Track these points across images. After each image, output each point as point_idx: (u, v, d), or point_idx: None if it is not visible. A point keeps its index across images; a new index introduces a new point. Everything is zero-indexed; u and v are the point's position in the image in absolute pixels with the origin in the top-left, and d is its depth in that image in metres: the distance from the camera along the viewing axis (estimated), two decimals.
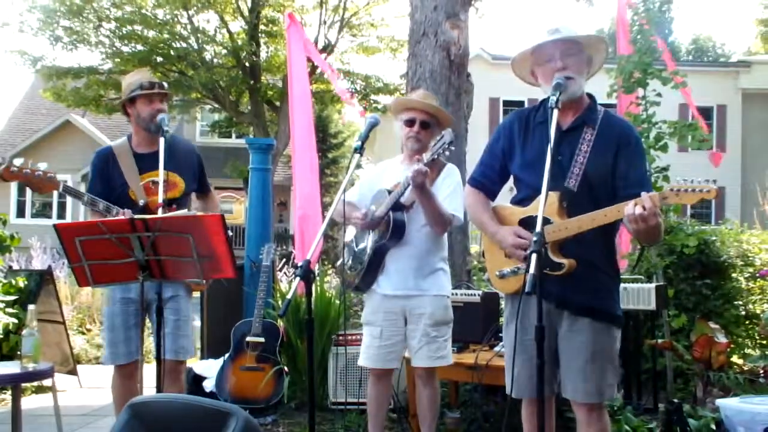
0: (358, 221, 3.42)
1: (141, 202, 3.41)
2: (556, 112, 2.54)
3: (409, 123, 3.48)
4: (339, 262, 3.72)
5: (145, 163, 3.45)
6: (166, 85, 3.66)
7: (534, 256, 2.30)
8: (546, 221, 2.54)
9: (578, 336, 2.64)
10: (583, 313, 2.64)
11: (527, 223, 2.62)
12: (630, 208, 2.38)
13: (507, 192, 2.97)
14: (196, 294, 4.49)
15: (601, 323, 2.65)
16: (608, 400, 2.83)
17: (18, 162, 3.20)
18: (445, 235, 3.55)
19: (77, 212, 20.86)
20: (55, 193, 3.39)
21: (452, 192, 3.41)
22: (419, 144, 3.44)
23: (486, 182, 2.90)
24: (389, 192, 3.39)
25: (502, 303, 4.76)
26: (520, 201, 2.76)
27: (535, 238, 2.35)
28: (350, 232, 3.68)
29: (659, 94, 5.14)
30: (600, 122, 2.69)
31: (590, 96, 2.78)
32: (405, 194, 3.32)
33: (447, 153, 3.12)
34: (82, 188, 3.49)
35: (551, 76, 2.64)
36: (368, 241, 3.46)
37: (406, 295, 3.41)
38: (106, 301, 3.57)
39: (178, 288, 3.53)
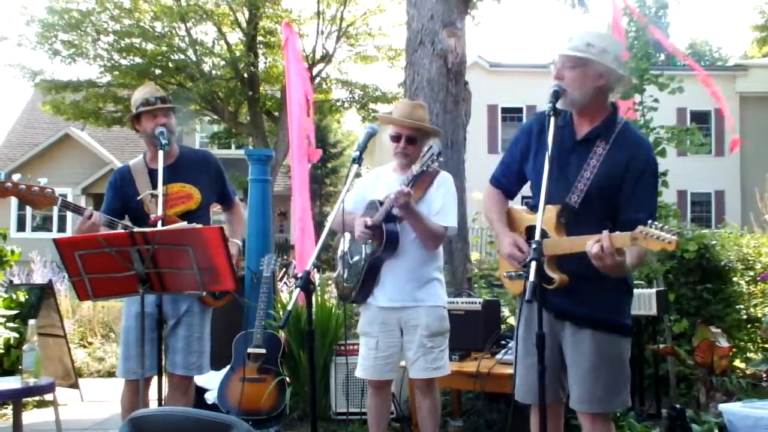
0: (362, 232, 3.34)
1: (152, 216, 3.42)
2: (553, 119, 2.53)
3: (395, 139, 3.47)
4: (335, 274, 3.72)
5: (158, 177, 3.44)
6: (169, 98, 3.64)
7: (533, 264, 2.30)
8: (545, 234, 2.53)
9: (581, 346, 2.63)
10: (584, 324, 2.62)
11: (532, 231, 2.58)
12: (589, 245, 2.36)
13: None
14: None
15: (604, 333, 2.61)
16: (617, 410, 2.79)
17: (15, 178, 3.20)
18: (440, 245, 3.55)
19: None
20: (56, 207, 3.39)
21: (444, 203, 3.40)
22: (407, 158, 3.44)
23: (505, 182, 2.89)
24: (380, 203, 3.38)
25: (504, 310, 4.80)
26: (533, 207, 2.72)
27: (534, 246, 2.35)
28: (344, 244, 3.68)
29: (656, 100, 5.16)
30: (615, 136, 2.60)
31: (613, 106, 2.69)
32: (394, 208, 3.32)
33: (435, 164, 3.13)
34: (83, 201, 3.50)
35: None
36: (362, 254, 3.45)
37: (401, 307, 3.40)
38: (123, 316, 3.57)
39: (192, 303, 3.52)
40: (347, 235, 3.55)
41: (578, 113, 2.68)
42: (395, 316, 3.42)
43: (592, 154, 2.60)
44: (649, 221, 2.26)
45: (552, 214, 2.55)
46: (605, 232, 2.34)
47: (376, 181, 3.60)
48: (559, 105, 2.57)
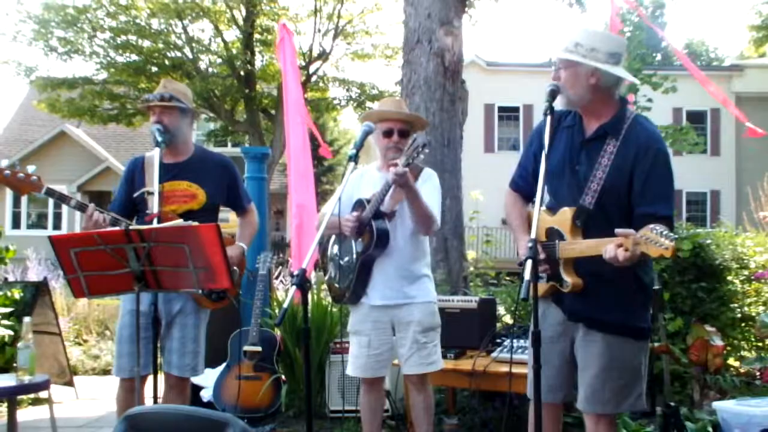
0: (350, 224, 3.36)
1: (147, 212, 3.42)
2: (549, 118, 2.53)
3: (388, 134, 3.46)
4: (327, 277, 3.71)
5: (168, 172, 3.43)
6: (170, 96, 3.55)
7: (529, 263, 2.31)
8: (561, 236, 2.55)
9: (591, 348, 2.63)
10: (595, 327, 2.61)
11: (551, 232, 2.61)
12: (611, 249, 2.31)
13: None
14: None
15: (615, 336, 2.59)
16: (626, 413, 2.77)
17: (2, 163, 3.18)
18: (427, 241, 3.56)
19: (73, 223, 20.82)
20: (51, 205, 3.41)
21: (430, 196, 3.40)
22: (400, 153, 3.43)
23: (522, 184, 2.88)
24: (367, 201, 3.38)
25: (499, 309, 4.81)
26: (551, 208, 2.71)
27: (529, 245, 2.35)
28: (334, 246, 3.67)
29: (650, 100, 5.16)
30: (624, 133, 2.56)
31: (623, 101, 2.68)
32: (385, 202, 3.31)
33: (421, 156, 3.13)
34: (78, 199, 3.48)
35: None
36: (353, 254, 3.45)
37: (394, 305, 3.41)
38: (120, 313, 3.57)
39: (185, 303, 3.51)
40: (355, 213, 3.52)
41: (584, 112, 2.66)
42: (388, 314, 3.43)
43: (602, 152, 2.57)
44: (651, 226, 2.23)
45: (567, 216, 2.55)
46: (612, 244, 2.32)
47: (361, 180, 3.59)
48: (558, 105, 2.57)
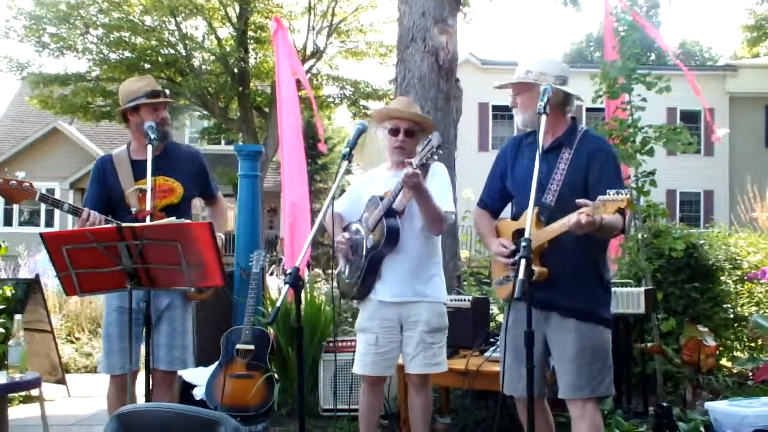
0: (342, 246, 3.44)
1: (133, 210, 3.40)
2: (544, 117, 2.70)
3: (394, 132, 3.45)
4: (337, 271, 3.69)
5: (143, 169, 3.38)
6: (168, 92, 3.60)
7: (523, 262, 2.46)
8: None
9: (566, 335, 2.83)
10: (569, 314, 2.83)
11: (519, 234, 2.83)
12: (574, 216, 2.54)
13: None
14: None
15: (587, 323, 2.83)
16: (604, 396, 2.99)
17: None
18: (438, 239, 3.54)
19: (66, 220, 20.74)
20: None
21: (441, 191, 3.39)
22: (405, 153, 3.41)
23: (489, 202, 3.18)
24: (381, 198, 3.37)
25: (493, 308, 4.82)
26: (515, 216, 3.01)
27: (524, 244, 2.51)
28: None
29: (644, 99, 5.16)
30: (577, 143, 2.91)
31: (573, 119, 3.00)
32: (397, 200, 3.30)
33: (435, 157, 3.12)
34: (71, 196, 3.49)
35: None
36: (363, 250, 3.43)
37: (403, 302, 3.39)
38: (105, 310, 3.55)
39: (174, 297, 3.49)
40: (346, 234, 3.53)
41: (544, 129, 2.92)
42: (396, 311, 3.41)
43: (559, 160, 2.89)
44: (608, 190, 2.47)
45: (533, 214, 2.76)
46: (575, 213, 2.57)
47: (372, 182, 3.58)
48: (518, 124, 2.95)
